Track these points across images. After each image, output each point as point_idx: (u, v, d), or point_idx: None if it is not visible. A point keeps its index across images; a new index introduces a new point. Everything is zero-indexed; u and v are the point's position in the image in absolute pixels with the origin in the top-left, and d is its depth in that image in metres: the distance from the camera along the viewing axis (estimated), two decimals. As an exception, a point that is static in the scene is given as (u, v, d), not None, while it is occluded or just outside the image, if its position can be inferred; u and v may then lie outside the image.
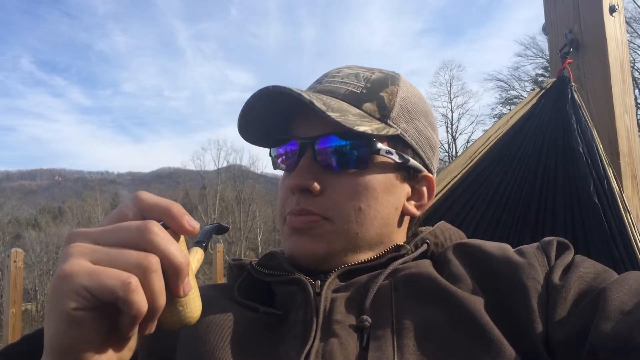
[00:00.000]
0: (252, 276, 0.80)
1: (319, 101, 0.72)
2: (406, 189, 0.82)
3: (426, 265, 0.74)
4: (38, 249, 36.16)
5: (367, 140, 0.75)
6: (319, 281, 0.72)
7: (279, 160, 0.82)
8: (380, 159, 0.77)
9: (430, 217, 1.36)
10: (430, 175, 0.85)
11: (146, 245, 0.43)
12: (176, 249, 0.43)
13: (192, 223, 0.46)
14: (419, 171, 0.83)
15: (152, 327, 0.45)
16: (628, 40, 1.56)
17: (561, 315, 0.64)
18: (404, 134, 0.79)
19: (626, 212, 1.22)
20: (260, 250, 38.14)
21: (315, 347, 0.63)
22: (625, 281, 0.64)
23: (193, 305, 0.48)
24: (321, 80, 0.83)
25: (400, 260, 0.74)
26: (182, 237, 0.48)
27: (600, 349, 0.57)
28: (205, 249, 0.55)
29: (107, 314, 0.43)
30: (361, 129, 0.72)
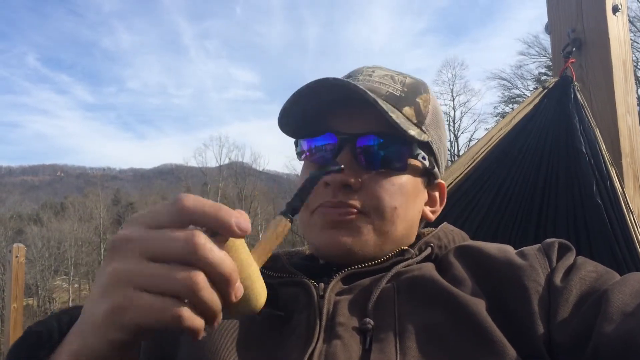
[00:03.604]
0: None
1: (376, 94, 0.73)
2: (425, 194, 0.85)
3: (429, 269, 0.74)
4: (40, 244, 36.22)
5: (407, 143, 0.77)
6: (322, 284, 0.72)
7: (310, 151, 0.81)
8: (415, 163, 0.79)
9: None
10: (443, 182, 0.88)
11: (192, 260, 0.41)
12: (223, 259, 0.42)
13: (242, 226, 0.43)
14: (436, 177, 0.86)
15: (215, 324, 0.44)
16: (631, 40, 1.56)
17: (563, 317, 0.64)
18: (431, 142, 0.81)
19: (629, 212, 1.22)
20: (261, 247, 38.09)
21: (318, 349, 0.64)
22: (627, 282, 0.64)
23: (253, 296, 0.46)
24: (356, 77, 0.83)
25: (404, 263, 0.74)
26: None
27: (602, 350, 0.57)
28: (292, 219, 0.52)
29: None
30: (411, 132, 0.75)
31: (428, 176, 0.83)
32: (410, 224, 0.81)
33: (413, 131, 0.76)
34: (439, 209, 0.88)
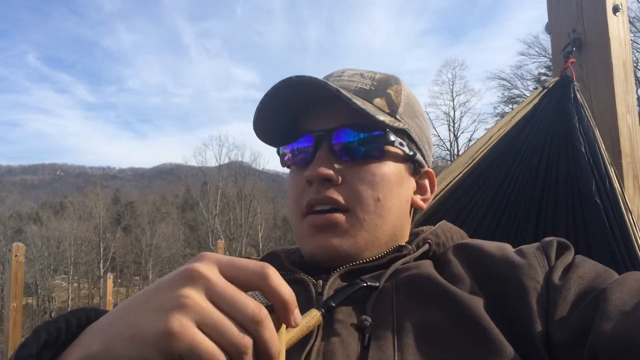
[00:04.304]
0: None
1: (344, 90, 0.73)
2: (412, 182, 0.85)
3: (427, 266, 0.74)
4: (39, 244, 36.21)
5: (381, 131, 0.77)
6: (321, 281, 0.73)
7: (291, 156, 0.83)
8: (393, 150, 0.80)
9: (431, 217, 1.36)
10: (431, 170, 0.88)
11: (252, 332, 0.43)
12: (275, 340, 0.45)
13: (297, 320, 0.47)
14: (422, 166, 0.86)
15: None
16: (631, 40, 1.56)
17: (561, 316, 0.64)
18: (409, 129, 0.82)
19: (628, 212, 1.22)
20: (261, 247, 38.20)
21: (316, 346, 0.64)
22: (625, 281, 0.64)
23: None
24: (327, 79, 0.84)
25: (401, 261, 0.75)
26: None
27: (600, 349, 0.57)
28: (324, 314, 0.58)
29: None
30: (380, 118, 0.75)
31: (412, 163, 0.83)
32: (399, 213, 0.81)
33: (384, 117, 0.76)
34: (429, 196, 0.88)
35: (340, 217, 0.75)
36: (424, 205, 0.87)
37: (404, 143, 0.80)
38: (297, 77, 0.74)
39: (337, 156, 0.77)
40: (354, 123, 0.77)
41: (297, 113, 0.82)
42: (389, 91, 0.82)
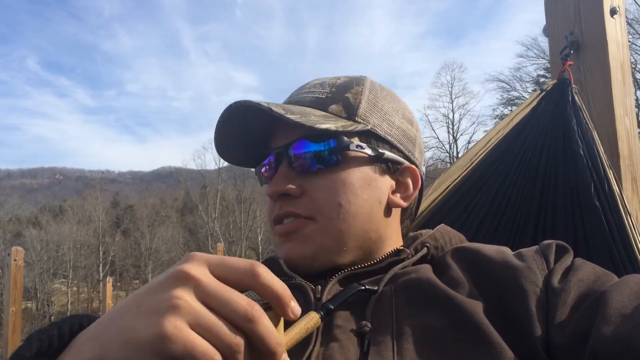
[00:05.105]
0: None
1: (278, 107, 0.74)
2: (388, 182, 0.83)
3: (426, 271, 0.74)
4: (38, 247, 36.20)
5: (335, 138, 0.77)
6: (320, 286, 0.73)
7: (263, 175, 0.86)
8: (352, 154, 0.79)
9: (430, 220, 1.36)
10: (412, 166, 0.85)
11: (245, 330, 0.44)
12: (272, 336, 0.45)
13: (295, 311, 0.48)
14: (399, 163, 0.83)
15: None
16: (630, 42, 1.57)
17: (561, 319, 0.64)
18: (375, 128, 0.81)
19: (626, 214, 1.22)
20: (260, 250, 38.16)
21: (315, 352, 0.64)
22: (625, 284, 0.64)
23: None
24: (291, 95, 0.87)
25: (400, 265, 0.75)
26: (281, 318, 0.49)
27: (600, 352, 0.57)
28: (323, 317, 0.57)
29: None
30: (323, 126, 0.74)
31: (383, 163, 0.81)
32: (369, 216, 0.79)
33: (332, 124, 0.75)
34: (412, 193, 0.85)
35: (301, 223, 0.77)
36: (405, 204, 0.84)
37: (364, 145, 0.79)
38: (235, 103, 0.75)
39: (295, 169, 0.78)
40: (309, 134, 0.77)
41: (263, 136, 0.84)
42: (347, 95, 0.82)
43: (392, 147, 0.82)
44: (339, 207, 0.76)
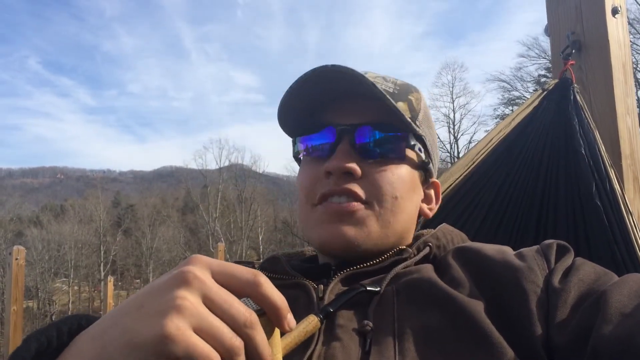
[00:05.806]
0: None
1: (380, 85, 0.74)
2: (422, 190, 0.86)
3: (428, 270, 0.74)
4: (40, 247, 36.22)
5: (403, 133, 0.78)
6: (322, 285, 0.73)
7: (308, 147, 0.82)
8: (411, 154, 0.81)
9: (432, 219, 1.36)
10: (437, 181, 0.89)
11: (243, 336, 0.45)
12: (265, 346, 0.46)
13: (291, 324, 0.49)
14: (431, 176, 0.87)
15: None
16: (631, 42, 1.56)
17: (562, 318, 0.64)
18: (424, 137, 0.83)
19: (628, 213, 1.22)
20: (261, 250, 38.16)
21: (317, 351, 0.64)
22: (625, 283, 0.64)
23: None
24: None
25: (402, 265, 0.74)
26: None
27: (601, 351, 0.57)
28: (322, 320, 0.58)
29: None
30: (406, 119, 0.76)
31: (424, 171, 0.85)
32: (410, 217, 0.81)
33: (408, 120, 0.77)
34: (434, 207, 0.89)
35: (358, 206, 0.75)
36: (430, 215, 0.88)
37: (422, 149, 0.82)
38: (333, 65, 0.74)
39: (358, 152, 0.77)
40: (376, 122, 0.77)
41: (317, 105, 0.81)
42: (410, 97, 0.82)
43: (430, 159, 0.85)
44: (394, 199, 0.77)
